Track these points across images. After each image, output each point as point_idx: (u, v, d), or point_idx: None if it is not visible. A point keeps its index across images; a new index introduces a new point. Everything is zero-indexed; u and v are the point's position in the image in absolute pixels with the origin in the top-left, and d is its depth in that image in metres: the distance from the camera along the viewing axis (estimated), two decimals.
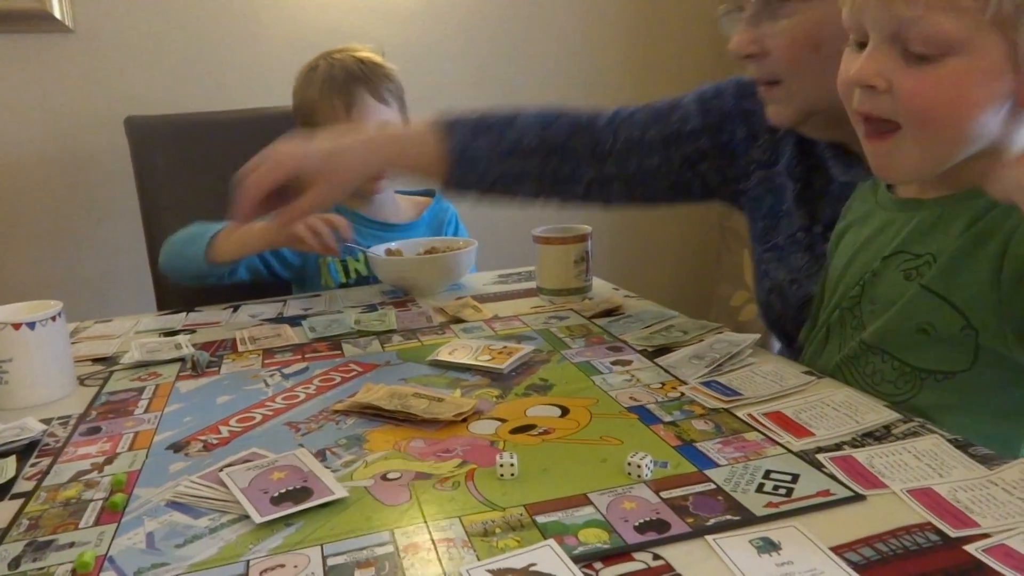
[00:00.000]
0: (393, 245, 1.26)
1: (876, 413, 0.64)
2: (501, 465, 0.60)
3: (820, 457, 0.59)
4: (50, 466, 0.67)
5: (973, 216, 0.66)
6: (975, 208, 0.66)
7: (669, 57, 2.07)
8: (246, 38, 1.76)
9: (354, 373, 0.86)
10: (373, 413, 0.74)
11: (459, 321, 1.03)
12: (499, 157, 1.00)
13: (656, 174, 1.02)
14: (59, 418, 0.78)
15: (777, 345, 1.85)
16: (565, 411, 0.72)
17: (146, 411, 0.79)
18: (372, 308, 1.13)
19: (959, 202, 0.67)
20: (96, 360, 0.97)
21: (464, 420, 0.71)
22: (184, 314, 1.17)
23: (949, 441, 0.59)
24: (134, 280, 1.71)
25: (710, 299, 2.08)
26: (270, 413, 0.77)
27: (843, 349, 0.76)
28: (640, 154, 1.02)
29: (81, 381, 0.89)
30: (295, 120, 1.35)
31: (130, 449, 0.70)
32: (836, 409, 0.66)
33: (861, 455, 0.58)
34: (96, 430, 0.75)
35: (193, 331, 1.07)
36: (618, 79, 2.05)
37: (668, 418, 0.68)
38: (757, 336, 0.83)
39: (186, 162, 1.50)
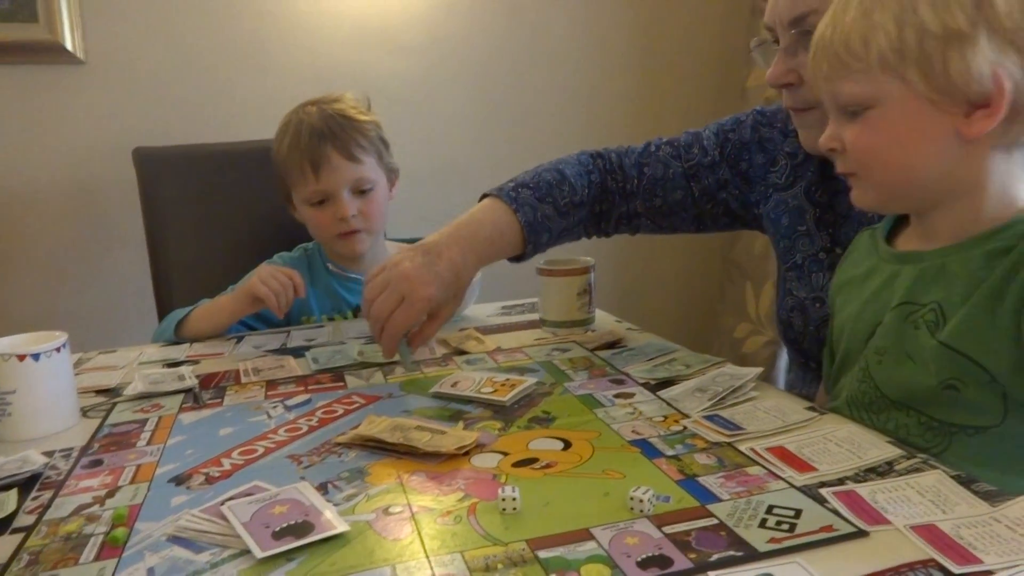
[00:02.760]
0: None
1: (879, 449, 0.64)
2: (503, 499, 0.59)
3: (823, 492, 0.58)
4: (51, 499, 0.67)
5: (978, 268, 0.67)
6: (975, 258, 0.67)
7: (673, 88, 2.10)
8: (254, 71, 1.79)
9: (357, 405, 0.87)
10: (375, 446, 0.74)
11: (462, 353, 1.03)
12: (561, 215, 1.04)
13: (680, 206, 1.08)
14: (61, 450, 0.78)
15: (782, 376, 1.85)
16: (567, 444, 0.72)
17: (148, 443, 0.79)
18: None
19: (959, 251, 0.69)
20: (99, 391, 0.97)
21: (466, 453, 0.71)
22: (188, 345, 1.17)
23: (952, 477, 0.58)
24: (139, 310, 1.72)
25: (713, 331, 2.08)
26: (272, 446, 0.77)
27: (862, 400, 0.76)
28: (664, 189, 1.07)
29: (84, 413, 0.89)
30: (275, 173, 1.32)
31: (132, 482, 0.70)
32: (839, 445, 0.66)
33: (864, 490, 0.58)
34: (98, 463, 0.75)
35: (197, 362, 1.08)
36: (623, 111, 2.07)
37: (670, 452, 0.68)
38: (760, 370, 0.83)
39: (193, 193, 1.51)
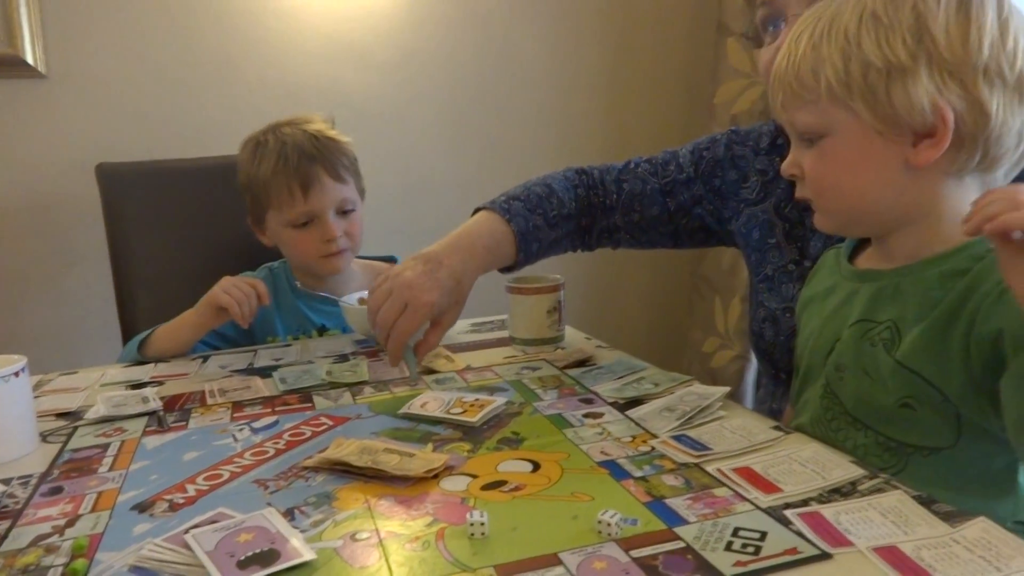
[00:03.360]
0: (366, 294, 1.26)
1: (843, 469, 0.65)
2: (471, 524, 0.59)
3: (788, 513, 0.59)
4: (8, 530, 0.65)
5: (932, 288, 0.68)
6: (930, 278, 0.69)
7: (642, 105, 2.12)
8: (221, 86, 1.77)
9: (325, 427, 0.86)
10: (343, 469, 0.73)
11: (431, 372, 1.03)
12: (550, 227, 1.08)
13: (658, 221, 1.12)
14: (19, 478, 0.77)
15: (750, 391, 1.87)
16: (536, 466, 0.72)
17: (111, 469, 0.78)
18: (344, 358, 1.13)
19: (914, 272, 0.71)
20: (60, 415, 0.95)
21: (435, 476, 0.71)
22: (152, 365, 1.15)
23: (913, 498, 0.60)
24: (102, 330, 1.69)
25: (682, 346, 2.09)
26: (238, 470, 0.76)
27: (824, 416, 0.77)
28: (642, 204, 1.11)
29: (44, 438, 0.87)
30: (243, 195, 1.30)
31: (93, 510, 0.69)
32: (803, 465, 0.67)
33: (828, 511, 0.59)
34: (58, 490, 0.73)
35: (161, 383, 1.06)
36: (592, 128, 2.09)
37: (638, 473, 0.68)
38: (727, 389, 0.84)
39: (158, 210, 1.49)
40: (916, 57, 0.65)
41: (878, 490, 0.62)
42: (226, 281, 1.16)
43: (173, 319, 1.21)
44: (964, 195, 0.69)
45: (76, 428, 0.90)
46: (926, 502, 0.59)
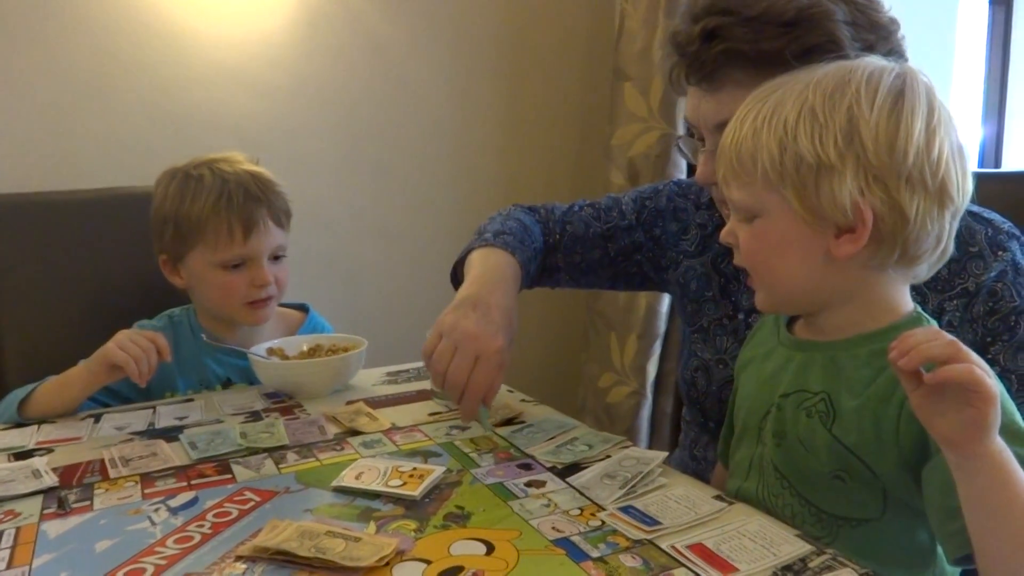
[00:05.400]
0: (275, 343, 1.20)
1: (791, 545, 0.68)
2: None
3: None
4: None
5: (863, 365, 0.72)
6: (861, 355, 0.73)
7: (536, 141, 2.14)
8: (98, 110, 1.63)
9: (251, 504, 0.80)
10: (285, 560, 0.69)
11: (356, 433, 0.99)
12: (531, 261, 1.08)
13: (598, 264, 1.14)
14: None
15: (645, 427, 1.93)
16: (490, 547, 0.71)
17: (9, 566, 0.69)
18: (256, 416, 1.07)
19: (847, 347, 0.75)
20: None
21: (387, 564, 0.68)
22: (35, 428, 1.04)
23: (861, 575, 0.63)
24: None
25: (577, 379, 2.13)
26: (163, 563, 0.69)
27: (763, 481, 0.80)
28: (583, 247, 1.13)
29: None
30: (160, 229, 1.22)
31: None
32: (753, 540, 0.69)
33: None
34: None
35: (50, 450, 0.96)
36: (486, 160, 2.10)
37: (595, 553, 0.69)
38: (664, 455, 0.86)
39: (30, 249, 1.35)
40: (844, 158, 0.68)
41: (828, 567, 0.65)
42: (122, 336, 1.07)
43: (58, 375, 1.10)
44: (889, 285, 0.73)
45: None
46: None
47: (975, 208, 0.86)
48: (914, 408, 0.61)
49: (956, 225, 0.72)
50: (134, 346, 1.06)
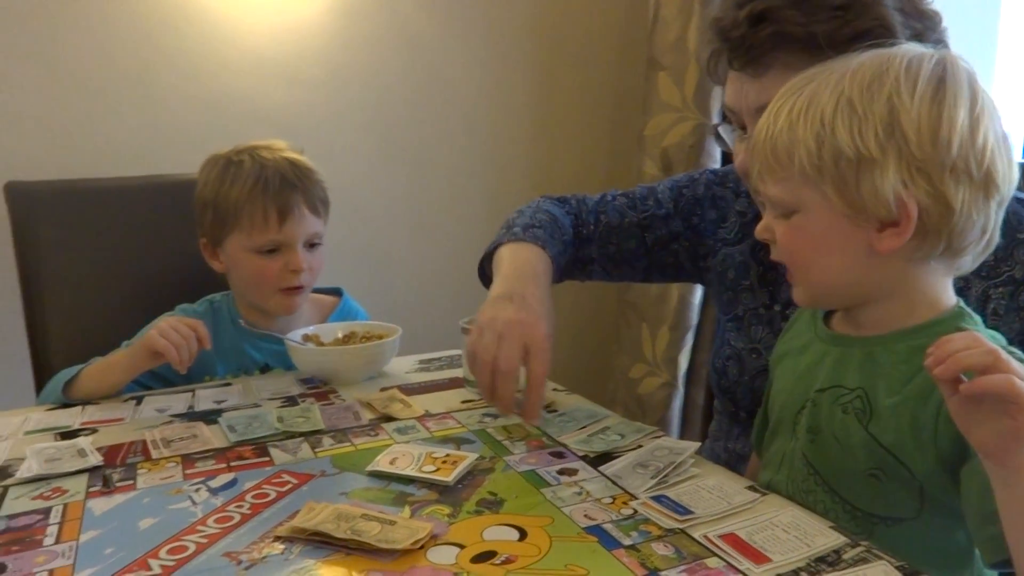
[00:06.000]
0: (311, 330, 1.22)
1: (824, 536, 0.68)
2: None
3: None
4: None
5: (901, 361, 0.71)
6: (900, 351, 0.72)
7: (569, 130, 2.14)
8: (142, 100, 1.67)
9: (289, 486, 0.82)
10: (321, 540, 0.70)
11: (390, 419, 1.01)
12: (563, 253, 1.07)
13: (633, 255, 1.13)
14: None
15: (676, 418, 1.92)
16: (523, 533, 0.71)
17: (57, 541, 0.72)
18: (292, 401, 1.09)
19: (886, 343, 0.73)
20: None
21: (420, 547, 0.69)
22: (80, 409, 1.07)
23: (897, 568, 0.63)
24: (5, 362, 1.55)
25: (608, 371, 2.13)
26: (204, 541, 0.71)
27: (796, 476, 0.79)
28: (619, 237, 1.12)
29: None
30: (201, 213, 1.24)
31: None
32: (786, 531, 0.69)
33: None
34: (0, 568, 0.67)
35: (94, 430, 0.99)
36: (519, 150, 2.10)
37: (627, 541, 0.69)
38: (697, 445, 0.86)
39: (74, 233, 1.39)
40: (886, 151, 0.66)
41: (862, 560, 0.64)
42: (164, 323, 1.09)
43: (102, 359, 1.13)
44: (931, 277, 0.72)
45: (7, 489, 0.82)
46: (910, 573, 0.62)
47: (1022, 195, 0.84)
48: (952, 414, 0.60)
49: (1001, 214, 0.70)
50: (175, 334, 1.08)
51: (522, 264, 0.98)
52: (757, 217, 1.05)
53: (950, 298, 0.73)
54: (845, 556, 0.65)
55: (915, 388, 0.69)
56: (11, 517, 0.76)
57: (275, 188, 1.19)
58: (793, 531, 0.69)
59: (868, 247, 0.70)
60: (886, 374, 0.72)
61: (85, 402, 1.09)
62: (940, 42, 0.84)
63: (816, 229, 0.72)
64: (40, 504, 0.79)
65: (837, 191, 0.69)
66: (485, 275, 1.08)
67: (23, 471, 0.85)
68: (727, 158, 1.90)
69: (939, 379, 0.59)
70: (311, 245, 1.24)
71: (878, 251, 0.69)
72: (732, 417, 1.07)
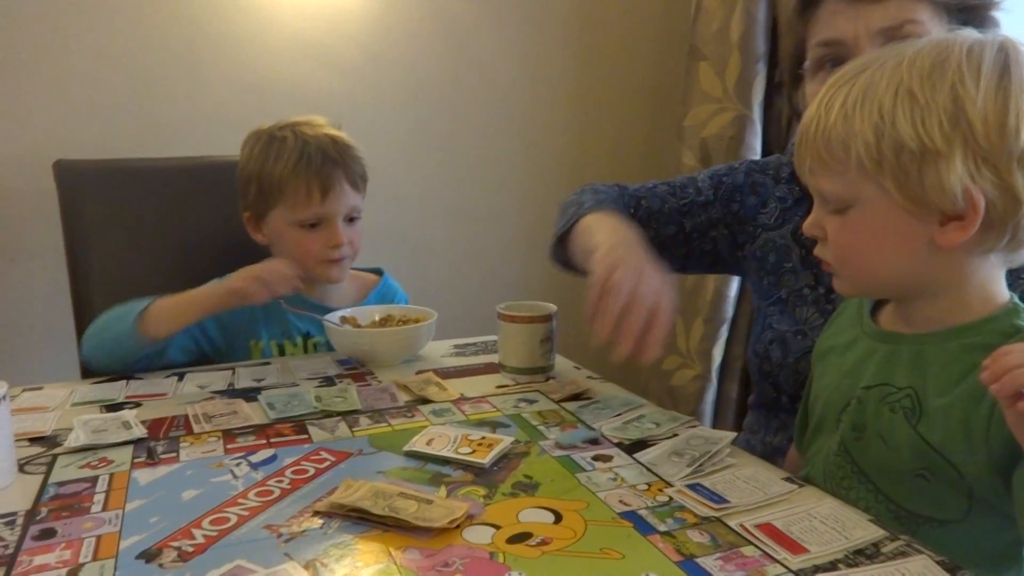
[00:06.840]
0: (348, 312, 1.23)
1: (863, 529, 0.67)
2: None
3: None
4: None
5: (954, 360, 0.69)
6: (952, 349, 0.70)
7: (606, 120, 2.13)
8: (186, 81, 1.69)
9: (327, 463, 0.83)
10: (359, 516, 0.71)
11: (426, 401, 1.02)
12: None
13: (672, 241, 1.14)
14: (4, 516, 0.72)
15: (709, 411, 1.91)
16: (558, 516, 0.72)
17: (104, 508, 0.74)
18: (329, 381, 1.10)
19: (937, 340, 0.71)
20: (33, 439, 0.89)
21: (457, 526, 0.70)
22: (124, 383, 1.10)
23: (937, 563, 0.62)
24: (51, 337, 1.60)
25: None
26: (245, 513, 0.73)
27: (836, 473, 0.78)
28: (659, 223, 1.13)
29: (21, 467, 0.82)
30: (245, 187, 1.27)
31: (95, 558, 0.65)
32: (824, 523, 0.68)
33: None
34: (50, 533, 0.69)
35: (138, 404, 1.01)
36: (556, 139, 2.09)
37: (663, 527, 0.69)
38: (733, 435, 0.85)
39: (119, 211, 1.42)
40: (952, 142, 0.64)
41: (902, 553, 0.64)
42: (257, 267, 1.15)
43: (175, 294, 1.16)
44: (989, 271, 0.70)
45: (56, 457, 0.85)
46: (951, 568, 0.61)
47: None
48: (1009, 424, 0.58)
49: None
50: (272, 274, 1.14)
51: (617, 223, 1.00)
52: (796, 203, 1.07)
53: (1003, 293, 0.72)
54: (884, 549, 0.64)
55: (967, 388, 0.68)
56: (60, 484, 0.78)
57: (317, 164, 1.21)
58: (831, 523, 0.68)
59: (929, 241, 0.68)
60: (937, 373, 0.70)
61: (128, 376, 1.12)
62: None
63: (874, 224, 0.70)
64: (87, 473, 0.81)
65: (897, 185, 0.66)
66: (563, 255, 1.11)
67: (71, 440, 0.88)
68: (767, 150, 1.88)
69: (996, 395, 0.57)
70: (351, 219, 1.27)
71: (940, 245, 0.67)
72: (772, 405, 1.06)
